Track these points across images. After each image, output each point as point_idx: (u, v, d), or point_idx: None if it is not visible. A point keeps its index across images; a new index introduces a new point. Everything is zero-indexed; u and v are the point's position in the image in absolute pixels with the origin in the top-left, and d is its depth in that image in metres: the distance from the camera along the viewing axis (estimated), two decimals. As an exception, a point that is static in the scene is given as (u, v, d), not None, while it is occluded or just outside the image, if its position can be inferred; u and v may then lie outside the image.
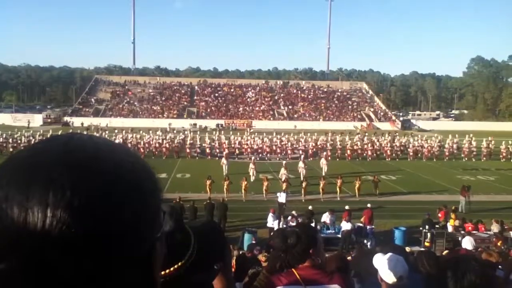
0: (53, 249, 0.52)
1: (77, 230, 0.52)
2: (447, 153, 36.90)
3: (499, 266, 5.14)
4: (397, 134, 45.62)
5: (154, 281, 0.63)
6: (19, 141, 35.59)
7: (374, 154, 36.31)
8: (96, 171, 0.56)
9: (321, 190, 21.25)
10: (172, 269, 1.05)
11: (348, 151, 35.86)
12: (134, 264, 0.58)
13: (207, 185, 20.57)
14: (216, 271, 1.23)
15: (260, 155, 34.72)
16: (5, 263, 0.52)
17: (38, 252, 0.52)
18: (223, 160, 27.38)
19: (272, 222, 15.87)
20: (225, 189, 20.72)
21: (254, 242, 13.67)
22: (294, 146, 37.23)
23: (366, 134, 46.89)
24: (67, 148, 0.58)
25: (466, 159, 36.28)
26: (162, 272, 1.03)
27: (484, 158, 36.56)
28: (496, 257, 5.38)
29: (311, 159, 28.65)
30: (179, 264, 1.06)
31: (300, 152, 35.23)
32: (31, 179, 0.54)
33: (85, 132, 0.57)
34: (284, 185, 20.85)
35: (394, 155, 36.58)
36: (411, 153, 36.51)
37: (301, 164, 26.34)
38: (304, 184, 21.37)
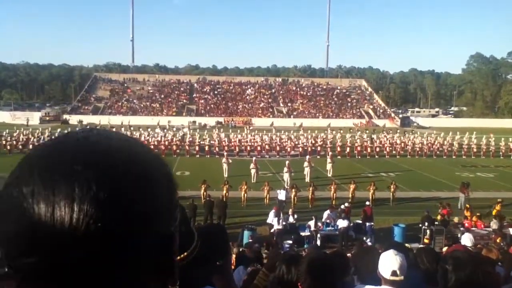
0: (80, 243, 0.53)
1: (103, 224, 0.54)
2: (446, 151, 36.92)
3: (499, 263, 5.15)
4: (398, 131, 45.68)
5: (173, 270, 0.65)
6: (17, 139, 35.35)
7: (374, 152, 36.32)
8: (118, 165, 0.57)
9: (332, 195, 20.01)
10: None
11: (348, 149, 35.84)
12: (154, 255, 0.60)
13: (202, 189, 19.55)
14: (218, 267, 1.27)
15: (260, 153, 34.67)
16: (33, 257, 0.53)
17: (66, 247, 0.53)
18: (224, 161, 27.07)
19: (272, 219, 15.84)
20: (224, 193, 19.57)
21: (251, 240, 13.67)
22: (295, 143, 37.15)
23: (367, 131, 46.90)
24: (87, 143, 0.59)
25: (465, 156, 36.28)
26: None
27: (484, 154, 36.55)
28: (496, 253, 5.38)
29: (309, 156, 28.52)
30: (181, 256, 1.08)
31: (300, 150, 35.24)
32: (56, 174, 0.55)
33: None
34: (293, 192, 19.63)
35: (394, 152, 36.61)
36: (410, 151, 36.55)
37: (306, 164, 25.68)
38: (311, 190, 19.80)
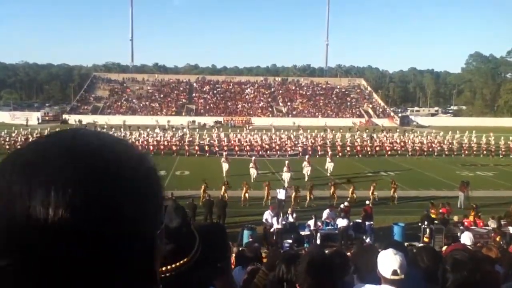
0: (54, 246, 0.52)
1: (78, 228, 0.53)
2: (446, 150, 36.87)
3: (498, 263, 5.15)
4: (398, 130, 45.68)
5: (154, 275, 0.63)
6: (16, 139, 35.27)
7: (374, 151, 36.31)
8: (99, 168, 0.56)
9: (331, 194, 20.05)
10: (178, 264, 1.08)
11: (348, 148, 35.82)
12: (135, 259, 0.58)
13: (202, 189, 19.43)
14: (219, 269, 1.26)
15: (259, 152, 34.66)
16: (6, 259, 0.52)
17: (39, 249, 0.52)
18: (223, 160, 27.05)
19: (267, 217, 15.76)
20: (223, 192, 19.38)
21: (251, 239, 13.68)
22: (295, 142, 37.12)
23: (367, 130, 46.90)
24: (70, 144, 0.58)
25: (463, 155, 36.26)
26: (169, 267, 1.06)
27: (484, 154, 36.53)
28: (496, 252, 5.39)
29: (309, 156, 28.50)
30: (185, 260, 1.08)
31: (300, 149, 35.21)
32: (34, 176, 0.54)
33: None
34: (293, 192, 19.59)
35: (393, 151, 36.59)
36: (410, 150, 36.53)
37: (305, 164, 25.61)
38: (309, 189, 19.76)
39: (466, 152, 36.91)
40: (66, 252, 0.52)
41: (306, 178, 24.24)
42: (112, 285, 0.57)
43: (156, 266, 0.64)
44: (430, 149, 36.92)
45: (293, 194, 19.37)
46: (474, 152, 36.94)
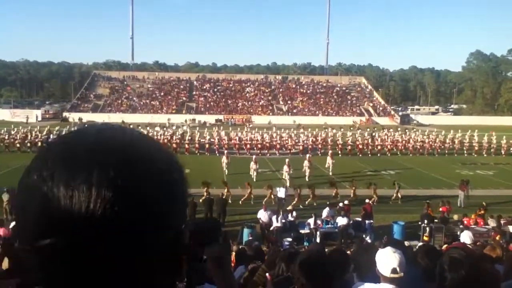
0: (96, 227, 0.55)
1: (119, 209, 0.56)
2: (447, 149, 36.69)
3: (498, 262, 5.15)
4: (399, 129, 45.59)
5: (180, 268, 0.66)
6: (15, 137, 34.95)
7: (375, 150, 36.26)
8: (134, 157, 0.60)
9: (334, 193, 20.10)
10: None
11: (349, 147, 35.79)
12: (163, 251, 0.61)
13: (204, 189, 19.57)
14: (218, 264, 1.28)
15: (261, 150, 34.64)
16: (51, 239, 0.55)
17: (82, 230, 0.55)
18: (224, 159, 27.03)
19: (262, 217, 15.75)
20: (226, 192, 19.38)
21: (251, 238, 13.70)
22: (296, 141, 37.06)
23: (368, 129, 46.86)
24: (104, 135, 0.62)
25: (466, 154, 36.17)
26: None
27: (486, 153, 36.38)
28: (499, 251, 5.40)
29: (310, 155, 28.45)
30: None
31: (301, 148, 35.16)
32: (76, 160, 0.58)
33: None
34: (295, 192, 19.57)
35: (395, 150, 36.53)
36: (411, 149, 36.43)
37: (306, 163, 25.34)
38: (310, 191, 19.69)
39: (468, 151, 36.76)
40: (105, 233, 0.55)
41: (307, 178, 24.21)
42: (148, 269, 0.60)
43: (181, 259, 0.67)
44: (432, 148, 36.84)
45: (297, 193, 19.32)
46: (476, 149, 36.78)
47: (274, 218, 15.59)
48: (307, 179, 23.70)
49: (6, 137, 35.15)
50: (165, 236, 0.61)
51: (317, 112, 73.75)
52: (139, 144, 0.63)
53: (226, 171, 25.63)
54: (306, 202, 19.48)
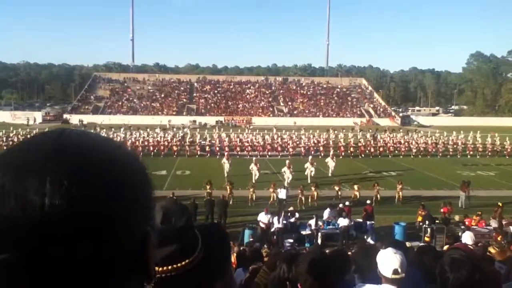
0: (50, 237, 0.52)
1: (74, 218, 0.53)
2: (450, 150, 36.52)
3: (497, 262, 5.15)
4: (401, 130, 45.55)
5: (148, 269, 0.64)
6: (14, 140, 34.35)
7: (377, 151, 36.18)
8: (90, 162, 0.57)
9: (336, 193, 20.24)
10: (179, 265, 1.08)
11: (352, 148, 35.69)
12: (129, 253, 0.59)
13: (207, 189, 19.27)
14: (220, 270, 1.26)
15: (262, 152, 34.61)
16: (4, 253, 0.52)
17: (35, 241, 0.52)
18: (224, 160, 26.93)
19: (263, 220, 15.73)
20: (228, 193, 19.36)
21: (252, 239, 13.70)
22: (297, 142, 36.96)
23: (370, 130, 46.83)
24: (60, 141, 0.59)
25: (469, 156, 35.98)
26: (170, 267, 1.07)
27: (489, 155, 36.17)
28: (510, 254, 5.40)
29: (312, 156, 28.39)
30: (187, 261, 1.08)
31: (302, 150, 35.10)
32: (28, 169, 0.55)
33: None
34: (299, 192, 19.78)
35: (396, 151, 36.44)
36: (414, 150, 36.32)
37: (308, 165, 25.16)
38: (313, 191, 19.91)
39: (471, 152, 36.54)
40: (61, 243, 0.53)
41: (309, 179, 24.17)
42: (112, 274, 0.58)
43: (149, 260, 0.64)
44: (434, 150, 36.62)
45: (299, 195, 19.39)
46: (479, 150, 36.59)
47: (275, 219, 15.58)
48: (309, 181, 23.68)
49: (5, 140, 34.85)
50: (127, 238, 0.59)
51: (317, 113, 73.78)
52: (99, 148, 0.61)
53: (226, 173, 25.60)
54: (309, 202, 19.51)
